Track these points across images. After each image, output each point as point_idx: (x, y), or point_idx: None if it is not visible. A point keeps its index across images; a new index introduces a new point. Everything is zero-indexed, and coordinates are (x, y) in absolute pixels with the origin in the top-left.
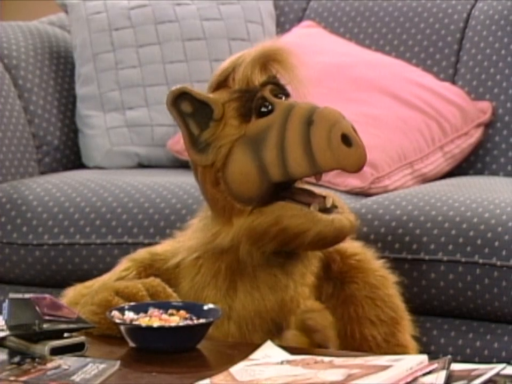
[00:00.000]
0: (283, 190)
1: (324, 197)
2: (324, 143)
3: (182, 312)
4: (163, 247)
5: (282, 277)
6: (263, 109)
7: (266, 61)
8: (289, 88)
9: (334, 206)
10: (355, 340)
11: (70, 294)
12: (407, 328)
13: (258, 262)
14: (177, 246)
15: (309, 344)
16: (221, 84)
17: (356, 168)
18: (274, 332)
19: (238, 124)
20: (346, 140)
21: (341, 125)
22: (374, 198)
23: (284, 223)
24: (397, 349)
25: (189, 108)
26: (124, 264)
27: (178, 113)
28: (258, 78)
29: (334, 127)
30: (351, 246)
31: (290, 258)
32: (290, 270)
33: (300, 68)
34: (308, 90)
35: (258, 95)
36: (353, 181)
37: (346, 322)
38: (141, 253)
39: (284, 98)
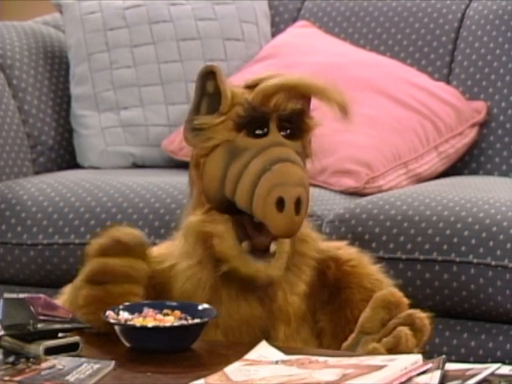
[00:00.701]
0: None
1: (271, 240)
2: (262, 196)
3: (177, 312)
4: (159, 250)
5: (270, 287)
6: (258, 131)
7: (298, 91)
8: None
9: (273, 254)
10: None
11: (68, 291)
12: None
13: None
14: (172, 249)
15: (416, 345)
16: (253, 86)
17: (277, 233)
18: (262, 339)
19: (232, 129)
20: (280, 204)
21: (286, 189)
22: (368, 198)
23: (212, 242)
24: None
25: (211, 88)
26: None
27: (200, 86)
28: (278, 102)
29: (277, 187)
30: (345, 252)
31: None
32: (278, 280)
33: (339, 104)
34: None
35: (261, 117)
36: (348, 181)
37: (344, 325)
38: None
39: (288, 131)
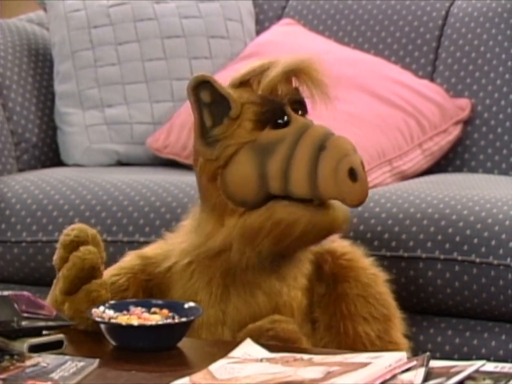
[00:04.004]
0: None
1: None
2: (331, 172)
3: (165, 310)
4: (153, 250)
5: (276, 282)
6: (279, 121)
7: (297, 74)
8: (309, 103)
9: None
10: (349, 336)
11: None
12: (398, 325)
13: (250, 263)
14: (169, 248)
15: None
16: (244, 83)
17: (356, 203)
18: None
19: (252, 129)
20: (353, 174)
21: (351, 159)
22: None
23: (277, 215)
24: (390, 346)
25: (207, 97)
26: (112, 270)
27: (195, 100)
28: (283, 88)
29: (344, 159)
30: (340, 245)
31: (284, 262)
32: (284, 275)
33: (329, 88)
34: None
35: (279, 106)
36: None
37: (339, 319)
38: (131, 259)
39: (300, 113)
